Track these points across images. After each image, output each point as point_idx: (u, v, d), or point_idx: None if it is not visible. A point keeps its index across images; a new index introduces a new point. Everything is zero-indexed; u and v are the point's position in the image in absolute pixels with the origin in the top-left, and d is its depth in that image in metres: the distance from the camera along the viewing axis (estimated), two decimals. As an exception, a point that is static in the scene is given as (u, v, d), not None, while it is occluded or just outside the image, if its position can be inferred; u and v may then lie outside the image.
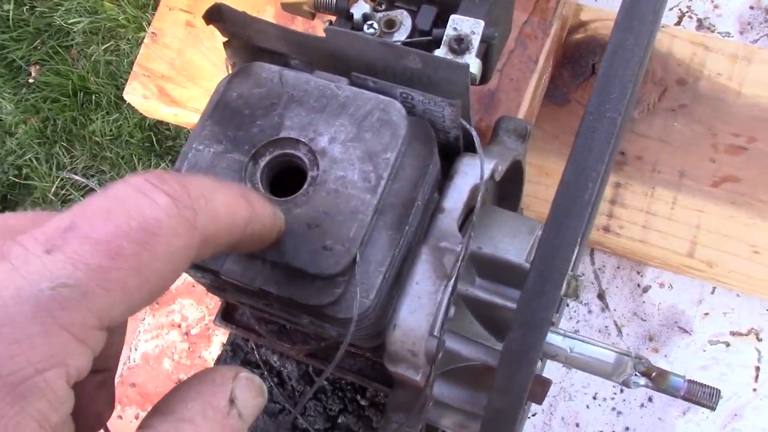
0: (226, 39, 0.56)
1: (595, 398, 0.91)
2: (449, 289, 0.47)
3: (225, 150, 0.46)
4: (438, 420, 0.58)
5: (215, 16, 0.53)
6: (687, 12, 0.97)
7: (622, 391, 0.91)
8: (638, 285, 0.93)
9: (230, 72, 0.53)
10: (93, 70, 2.41)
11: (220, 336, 0.99)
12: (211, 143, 0.47)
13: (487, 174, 0.49)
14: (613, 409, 0.91)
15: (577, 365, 0.59)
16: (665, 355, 0.91)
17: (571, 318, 0.93)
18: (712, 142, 0.88)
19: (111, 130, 2.35)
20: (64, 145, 2.38)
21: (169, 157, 2.28)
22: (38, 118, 2.39)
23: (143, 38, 2.56)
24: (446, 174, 0.51)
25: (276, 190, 0.47)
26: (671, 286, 0.93)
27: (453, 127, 0.49)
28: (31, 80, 2.43)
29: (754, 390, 0.88)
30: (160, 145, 2.34)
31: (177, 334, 1.00)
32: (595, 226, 0.88)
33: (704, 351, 0.90)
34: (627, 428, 0.90)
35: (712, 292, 0.91)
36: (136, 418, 1.00)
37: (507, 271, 0.54)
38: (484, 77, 0.58)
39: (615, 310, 0.93)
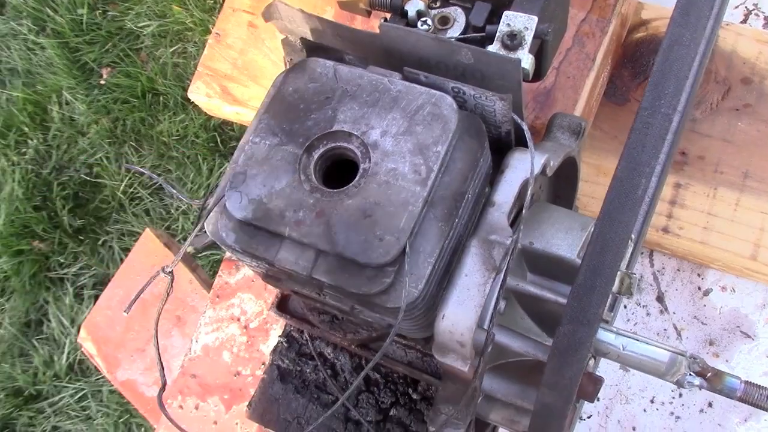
0: (284, 37, 0.57)
1: (652, 402, 0.90)
2: (498, 281, 0.47)
3: (280, 142, 0.48)
4: (487, 414, 0.58)
5: (272, 14, 0.54)
6: (753, 10, 0.95)
7: (680, 395, 0.90)
8: (699, 288, 0.92)
9: (288, 67, 0.55)
10: (161, 72, 2.47)
11: (278, 330, 1.01)
12: (267, 136, 0.48)
13: (538, 169, 0.49)
14: (672, 413, 0.89)
15: (629, 363, 0.58)
16: (726, 360, 0.89)
17: (628, 320, 0.92)
18: (773, 141, 0.86)
19: (177, 131, 2.41)
20: (133, 144, 2.45)
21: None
22: (109, 118, 2.46)
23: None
24: (497, 168, 0.51)
25: (328, 181, 0.48)
26: (734, 290, 0.91)
27: (504, 121, 0.49)
28: (102, 82, 2.51)
29: (819, 397, 0.85)
30: (224, 145, 2.39)
31: (236, 327, 1.02)
32: (654, 226, 0.87)
33: (765, 358, 0.88)
34: (685, 433, 0.89)
35: (778, 297, 0.89)
36: (196, 408, 1.03)
37: (558, 267, 0.54)
38: (538, 74, 0.58)
39: (674, 313, 0.91)
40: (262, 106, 0.49)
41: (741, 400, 0.56)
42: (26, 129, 2.51)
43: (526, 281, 0.53)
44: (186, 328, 1.16)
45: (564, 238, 0.54)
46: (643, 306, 0.92)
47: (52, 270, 2.42)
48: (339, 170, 0.48)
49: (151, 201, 2.42)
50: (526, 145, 0.51)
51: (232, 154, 2.10)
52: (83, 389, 2.29)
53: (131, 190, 2.47)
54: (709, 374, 0.57)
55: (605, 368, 0.91)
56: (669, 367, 0.57)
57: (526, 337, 0.53)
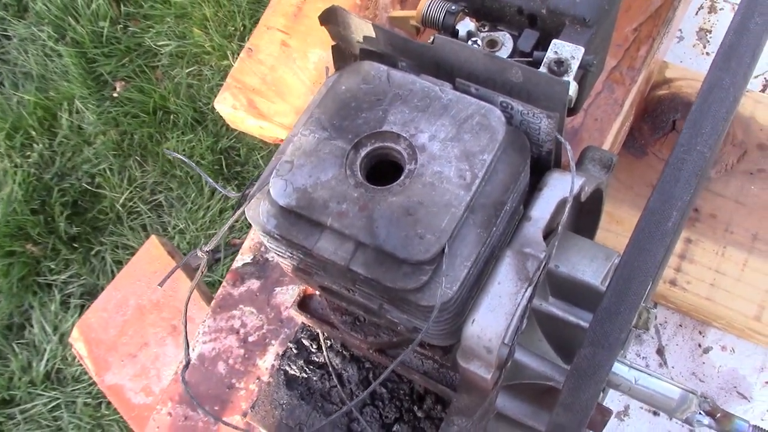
0: (334, 43, 0.59)
1: (646, 452, 0.90)
2: (529, 293, 0.48)
3: (329, 137, 0.49)
4: (496, 434, 0.58)
5: (329, 18, 0.56)
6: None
7: (677, 445, 0.90)
8: (699, 345, 0.92)
9: (329, 76, 0.56)
10: (174, 91, 2.49)
11: (276, 346, 1.01)
12: (316, 129, 0.49)
13: (576, 188, 0.50)
14: (665, 465, 0.89)
15: (640, 398, 0.59)
16: (721, 419, 0.89)
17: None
18: (790, 202, 0.88)
19: (184, 150, 2.42)
20: (138, 159, 2.46)
21: (236, 182, 2.33)
22: (117, 130, 2.47)
23: (228, 66, 2.64)
24: (533, 187, 0.53)
25: (371, 180, 0.49)
26: (733, 350, 0.92)
27: (547, 140, 0.50)
28: (115, 95, 2.53)
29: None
30: (228, 169, 2.40)
31: (234, 339, 1.02)
32: (662, 278, 0.88)
33: (762, 419, 0.89)
34: (676, 488, 0.88)
35: (776, 362, 0.90)
36: (185, 418, 1.02)
37: (581, 293, 0.55)
38: (575, 107, 0.59)
39: (673, 367, 0.92)
40: (313, 102, 0.50)
41: (749, 443, 0.57)
42: (33, 133, 2.52)
43: (548, 303, 0.54)
44: (181, 337, 1.15)
45: (589, 265, 0.55)
46: (643, 357, 0.93)
47: (42, 275, 2.40)
48: (382, 171, 0.49)
49: (149, 217, 2.42)
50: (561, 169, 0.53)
51: (236, 178, 2.11)
52: (58, 398, 2.26)
53: (131, 203, 2.46)
54: (718, 415, 0.58)
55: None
56: (679, 404, 0.58)
57: (544, 359, 0.54)
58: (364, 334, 0.55)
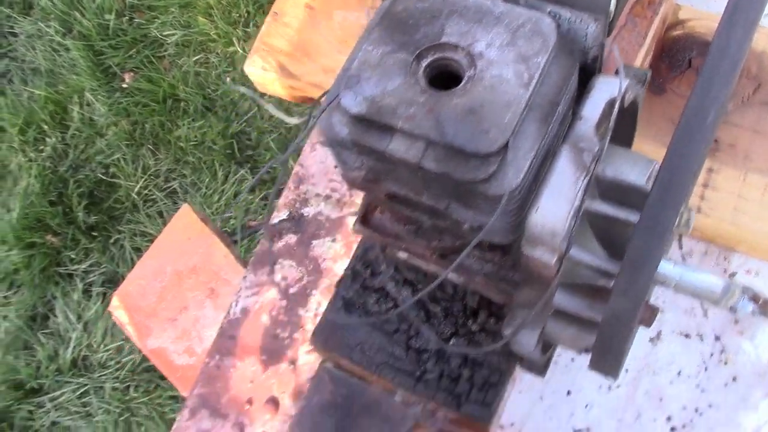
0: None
1: (679, 375, 0.94)
2: (586, 181, 0.52)
3: (392, 50, 0.53)
4: (551, 331, 0.62)
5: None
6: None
7: (706, 369, 0.94)
8: (725, 270, 0.97)
9: (371, 17, 0.60)
10: (183, 80, 2.53)
11: (317, 296, 1.05)
12: (379, 45, 0.53)
13: (623, 89, 0.54)
14: (697, 386, 0.93)
15: (687, 291, 0.63)
16: (750, 339, 0.94)
17: (657, 298, 0.96)
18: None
19: (195, 136, 2.46)
20: (150, 147, 2.50)
21: (249, 165, 2.37)
22: (128, 121, 2.51)
23: (234, 53, 2.66)
24: (580, 96, 0.57)
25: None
26: (758, 273, 0.96)
27: (594, 45, 0.54)
28: (124, 85, 2.56)
29: (838, 374, 0.90)
30: (240, 153, 2.44)
31: (276, 291, 1.06)
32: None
33: (789, 335, 0.93)
34: (710, 405, 0.93)
35: (799, 280, 0.94)
36: (233, 367, 1.06)
37: (628, 193, 0.59)
38: (611, 22, 0.63)
39: (701, 292, 0.96)
40: (372, 23, 0.54)
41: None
42: (46, 127, 2.55)
43: (598, 204, 0.58)
44: (219, 299, 1.19)
45: (633, 168, 0.59)
46: (672, 284, 0.97)
47: (63, 265, 2.44)
48: (443, 82, 0.53)
49: (164, 203, 2.46)
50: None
51: (248, 162, 2.15)
52: (86, 385, 2.30)
53: (146, 191, 2.50)
54: (761, 300, 0.62)
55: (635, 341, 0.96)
56: (723, 294, 0.62)
57: (597, 255, 0.58)
58: (428, 240, 0.59)
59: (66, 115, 2.57)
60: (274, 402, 1.03)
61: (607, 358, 0.61)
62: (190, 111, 2.51)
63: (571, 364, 0.97)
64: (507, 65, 0.51)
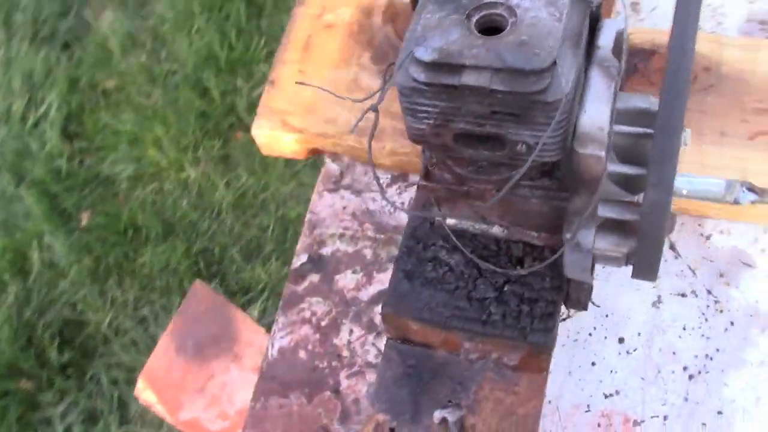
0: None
1: (684, 329, 1.06)
2: (616, 88, 0.66)
3: (447, 14, 0.67)
4: (599, 244, 0.74)
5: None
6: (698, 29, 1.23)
7: (706, 320, 1.06)
8: (701, 234, 1.11)
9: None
10: (140, 209, 2.61)
11: (348, 324, 1.14)
12: (435, 12, 0.67)
13: (623, 25, 0.69)
14: (702, 335, 1.05)
15: (696, 196, 0.77)
16: (737, 287, 1.08)
17: (651, 268, 1.10)
18: (741, 108, 1.10)
19: (160, 261, 2.52)
20: (116, 279, 2.53)
21: (217, 279, 2.43)
22: (90, 257, 2.55)
23: (187, 178, 2.76)
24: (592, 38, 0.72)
25: (483, 39, 0.67)
26: (729, 232, 1.11)
27: (596, -4, 0.70)
28: (82, 225, 2.62)
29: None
30: (207, 269, 2.51)
31: (308, 327, 1.14)
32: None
33: (767, 279, 1.07)
34: (718, 350, 1.05)
35: (765, 232, 1.10)
36: (280, 407, 1.11)
37: (638, 117, 0.73)
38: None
39: (686, 257, 1.10)
40: (421, 6, 0.68)
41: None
42: (6, 276, 2.56)
43: (618, 126, 0.72)
44: (244, 360, 1.25)
45: (636, 99, 0.74)
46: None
47: (39, 409, 2.40)
48: (493, 32, 0.67)
49: (136, 332, 2.48)
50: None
51: (216, 276, 2.24)
52: None
53: (116, 322, 2.52)
54: (758, 189, 0.75)
55: (639, 308, 1.08)
56: (726, 189, 0.75)
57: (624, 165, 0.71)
58: (488, 175, 0.71)
59: (26, 262, 2.59)
60: (325, 430, 1.09)
61: (648, 255, 0.73)
62: (152, 237, 2.57)
63: (590, 339, 1.08)
64: (540, 9, 0.65)
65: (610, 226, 0.75)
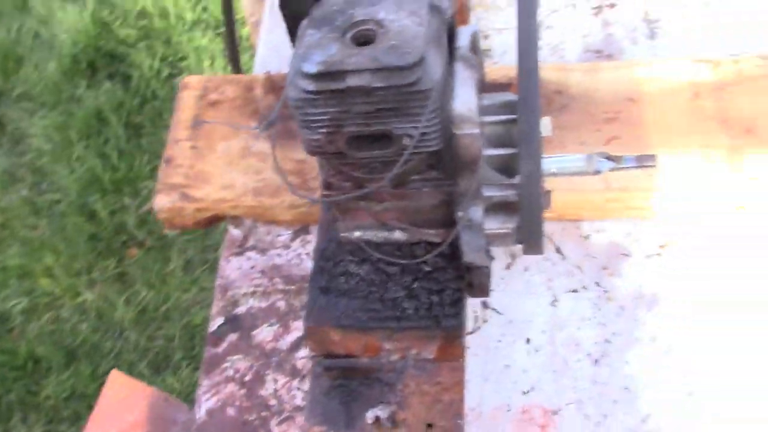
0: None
1: (582, 320, 1.16)
2: (478, 77, 0.77)
3: (325, 34, 0.77)
4: (488, 225, 0.83)
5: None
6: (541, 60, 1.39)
7: (600, 309, 1.16)
8: (581, 235, 1.23)
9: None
10: (38, 340, 2.55)
11: (271, 374, 1.17)
12: (314, 34, 0.77)
13: (475, 29, 0.81)
14: (599, 323, 1.15)
15: (564, 173, 0.87)
16: (620, 276, 1.19)
17: (543, 273, 1.20)
18: (593, 120, 1.25)
19: (65, 390, 2.45)
20: (20, 416, 2.44)
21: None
22: (-10, 398, 2.45)
23: (83, 302, 2.73)
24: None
25: (358, 52, 0.76)
26: (605, 230, 1.23)
27: (449, 7, 0.81)
28: (-23, 365, 2.52)
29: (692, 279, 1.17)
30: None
31: (233, 385, 1.17)
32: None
33: (643, 264, 1.19)
34: (614, 333, 1.14)
35: (634, 225, 1.23)
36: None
37: (502, 108, 0.84)
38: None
39: (571, 257, 1.21)
40: (303, 25, 0.78)
41: (636, 167, 0.86)
42: None
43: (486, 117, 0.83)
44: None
45: (501, 94, 0.86)
46: (548, 260, 1.21)
47: None
48: (366, 43, 0.77)
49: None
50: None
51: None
52: None
53: (25, 460, 2.41)
54: (612, 157, 0.87)
55: (539, 310, 1.17)
56: (587, 162, 0.86)
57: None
58: (382, 173, 0.80)
59: None
60: (262, 478, 1.10)
61: (531, 225, 0.82)
62: (54, 367, 2.51)
63: (499, 345, 1.15)
64: (404, 19, 0.76)
65: (496, 208, 0.85)
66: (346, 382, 0.91)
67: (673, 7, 1.50)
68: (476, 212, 0.81)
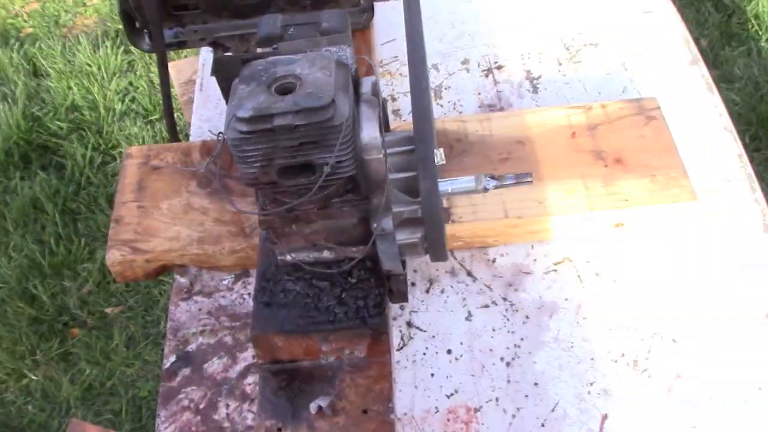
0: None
1: (494, 330, 1.33)
2: (379, 115, 0.96)
3: (253, 88, 0.95)
4: (400, 238, 1.01)
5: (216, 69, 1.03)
6: (444, 115, 1.60)
7: (508, 320, 1.34)
8: (488, 259, 1.42)
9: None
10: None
11: (223, 400, 1.30)
12: (245, 89, 0.95)
13: (376, 78, 1.00)
14: (509, 331, 1.33)
15: (458, 193, 1.06)
16: (523, 290, 1.37)
17: (458, 293, 1.38)
18: (489, 161, 1.46)
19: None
20: None
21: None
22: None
23: (28, 383, 2.79)
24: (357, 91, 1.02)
25: (282, 100, 0.95)
26: (508, 254, 1.42)
27: (352, 62, 1.01)
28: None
29: (583, 288, 1.36)
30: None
31: (189, 413, 1.29)
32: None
33: (542, 279, 1.38)
34: (522, 338, 1.32)
35: (532, 247, 1.42)
36: (176, 486, 1.23)
37: (403, 141, 1.03)
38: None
39: (481, 278, 1.39)
40: (236, 81, 0.96)
41: (515, 183, 1.06)
42: None
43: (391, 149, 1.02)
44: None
45: (401, 132, 1.05)
46: (462, 282, 1.39)
47: None
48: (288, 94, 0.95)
49: None
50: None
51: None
52: None
53: None
54: (497, 176, 1.06)
55: (456, 324, 1.34)
56: (477, 182, 1.05)
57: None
58: (309, 197, 0.97)
59: None
60: (221, 495, 1.22)
61: (434, 233, 1.00)
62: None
63: (425, 357, 1.32)
64: (317, 73, 0.95)
65: (405, 223, 1.03)
66: (291, 383, 1.06)
67: (550, 65, 1.75)
68: (388, 222, 0.99)
